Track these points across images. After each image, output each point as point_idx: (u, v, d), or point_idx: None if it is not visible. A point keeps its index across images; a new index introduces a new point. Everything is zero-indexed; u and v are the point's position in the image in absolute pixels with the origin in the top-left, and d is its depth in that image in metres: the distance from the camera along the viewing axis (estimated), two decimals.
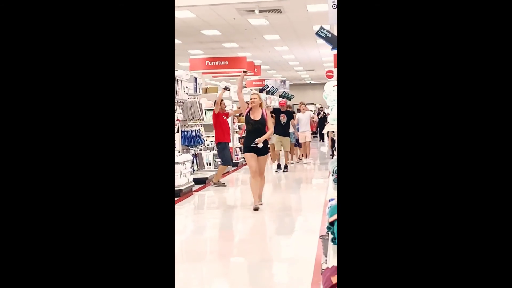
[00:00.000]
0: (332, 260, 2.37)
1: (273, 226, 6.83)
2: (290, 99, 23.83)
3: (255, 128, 7.45)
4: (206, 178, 10.20)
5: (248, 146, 7.45)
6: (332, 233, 2.41)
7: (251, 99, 7.60)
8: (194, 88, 10.57)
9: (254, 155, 7.43)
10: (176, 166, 8.68)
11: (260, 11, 12.51)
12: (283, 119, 12.26)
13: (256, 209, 7.40)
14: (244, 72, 8.10)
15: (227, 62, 18.56)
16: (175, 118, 9.15)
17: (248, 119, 7.54)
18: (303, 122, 13.98)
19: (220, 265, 5.10)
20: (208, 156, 11.24)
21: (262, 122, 7.48)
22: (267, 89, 19.30)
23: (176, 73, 9.23)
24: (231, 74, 19.69)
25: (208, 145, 11.43)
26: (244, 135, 8.27)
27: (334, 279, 2.06)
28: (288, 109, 12.83)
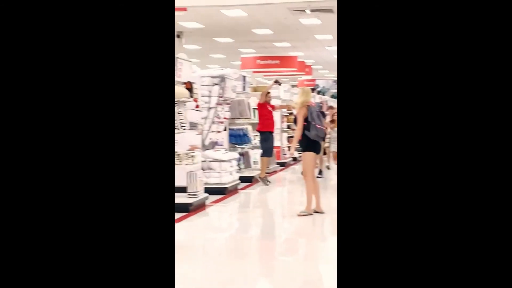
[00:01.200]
0: None
1: (319, 228, 6.79)
2: None
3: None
4: (252, 177, 10.22)
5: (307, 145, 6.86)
6: None
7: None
8: (243, 86, 10.61)
9: (314, 155, 6.95)
10: (222, 164, 8.75)
11: (312, 10, 12.46)
12: None
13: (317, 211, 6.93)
14: (275, 82, 8.18)
15: (278, 61, 18.59)
16: (223, 116, 9.22)
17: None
18: None
19: (264, 263, 5.11)
20: (255, 154, 11.25)
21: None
22: (318, 89, 19.21)
23: (224, 72, 9.29)
24: (282, 73, 19.69)
25: (255, 143, 11.43)
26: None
27: None
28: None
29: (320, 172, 10.89)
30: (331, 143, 11.32)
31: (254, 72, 18.64)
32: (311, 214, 6.85)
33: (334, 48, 20.34)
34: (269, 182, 9.99)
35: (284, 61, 18.69)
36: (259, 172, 10.26)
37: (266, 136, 10.01)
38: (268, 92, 10.26)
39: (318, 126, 6.77)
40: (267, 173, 10.34)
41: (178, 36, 15.79)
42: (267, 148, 10.01)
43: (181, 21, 14.18)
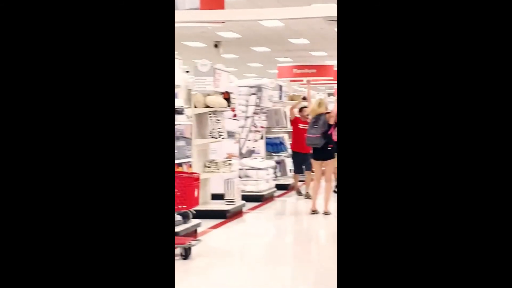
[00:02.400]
0: None
1: None
2: None
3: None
4: (289, 185, 10.33)
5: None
6: None
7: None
8: (279, 95, 10.75)
9: (315, 161, 7.78)
10: (259, 171, 8.90)
11: None
12: None
13: (314, 212, 7.62)
14: (303, 98, 8.40)
15: (314, 70, 18.64)
16: (259, 125, 9.37)
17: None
18: None
19: (299, 268, 5.22)
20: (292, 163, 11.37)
21: None
22: None
23: (261, 82, 9.45)
24: (318, 82, 19.74)
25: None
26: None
27: None
28: None
29: None
30: None
31: (291, 81, 18.75)
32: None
33: None
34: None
35: (321, 70, 18.73)
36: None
37: (293, 155, 9.65)
38: (303, 108, 9.48)
39: (307, 135, 7.63)
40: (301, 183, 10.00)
41: (216, 46, 16.04)
42: (294, 166, 9.73)
43: (219, 31, 14.44)
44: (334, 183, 8.59)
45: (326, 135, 7.47)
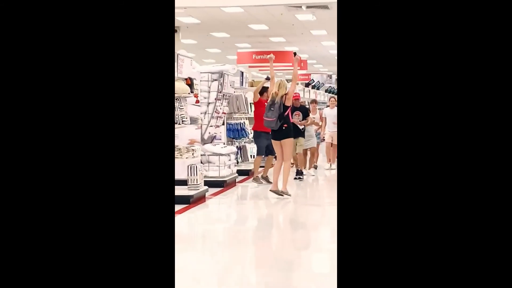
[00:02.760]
0: None
1: (313, 216, 7.01)
2: (336, 94, 23.84)
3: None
4: (250, 170, 10.42)
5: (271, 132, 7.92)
6: None
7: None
8: (240, 82, 10.80)
9: (275, 141, 7.92)
10: (220, 157, 8.95)
11: (307, 7, 12.64)
12: (298, 116, 9.94)
13: (273, 192, 7.76)
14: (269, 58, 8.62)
15: (273, 56, 18.74)
16: (221, 111, 9.41)
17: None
18: (331, 119, 11.22)
19: (260, 252, 5.33)
20: (253, 148, 11.45)
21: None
22: (313, 84, 19.35)
23: (223, 68, 9.47)
24: (277, 68, 19.86)
25: (252, 138, 11.59)
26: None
27: None
28: (302, 104, 10.80)
29: (299, 172, 9.96)
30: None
31: (250, 66, 18.80)
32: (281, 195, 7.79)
33: (329, 43, 20.50)
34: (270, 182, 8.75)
35: (280, 56, 18.83)
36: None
37: (256, 135, 9.62)
38: (265, 88, 9.47)
39: (264, 118, 7.83)
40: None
41: (175, 31, 15.93)
42: (257, 147, 9.62)
43: (178, 17, 14.34)
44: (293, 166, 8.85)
45: (282, 117, 7.70)
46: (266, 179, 9.21)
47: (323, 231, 6.32)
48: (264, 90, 9.54)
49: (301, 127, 9.89)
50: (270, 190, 7.87)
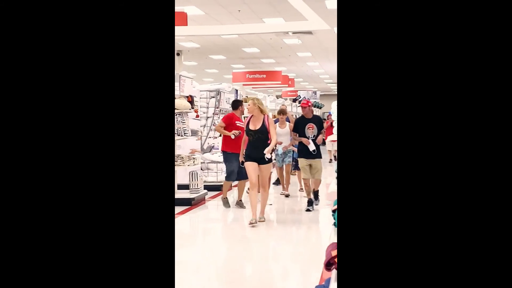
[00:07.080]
0: (333, 238, 2.58)
1: (308, 215, 7.08)
2: (320, 108, 23.92)
3: (255, 139, 6.16)
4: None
5: (248, 155, 6.17)
6: (335, 218, 2.69)
7: (247, 108, 6.30)
8: (235, 98, 10.95)
9: (254, 163, 6.11)
10: (218, 165, 9.10)
11: (293, 33, 12.84)
12: (312, 130, 6.92)
13: (252, 223, 6.11)
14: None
15: (264, 76, 18.93)
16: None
17: (248, 130, 6.23)
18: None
19: (256, 247, 5.43)
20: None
21: (263, 130, 6.14)
22: (300, 99, 19.53)
23: (220, 86, 9.65)
24: (268, 85, 20.04)
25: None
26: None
27: (334, 252, 2.28)
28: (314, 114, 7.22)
29: (310, 202, 7.20)
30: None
31: (244, 85, 18.94)
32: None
33: (313, 64, 20.69)
34: (244, 207, 7.39)
35: (270, 75, 19.02)
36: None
37: (225, 157, 7.36)
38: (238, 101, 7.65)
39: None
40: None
41: (178, 54, 16.06)
42: (227, 171, 7.43)
43: (181, 42, 14.53)
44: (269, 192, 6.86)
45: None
46: (240, 203, 7.41)
47: (322, 226, 6.41)
48: (238, 103, 7.60)
49: (310, 146, 6.85)
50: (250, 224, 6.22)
